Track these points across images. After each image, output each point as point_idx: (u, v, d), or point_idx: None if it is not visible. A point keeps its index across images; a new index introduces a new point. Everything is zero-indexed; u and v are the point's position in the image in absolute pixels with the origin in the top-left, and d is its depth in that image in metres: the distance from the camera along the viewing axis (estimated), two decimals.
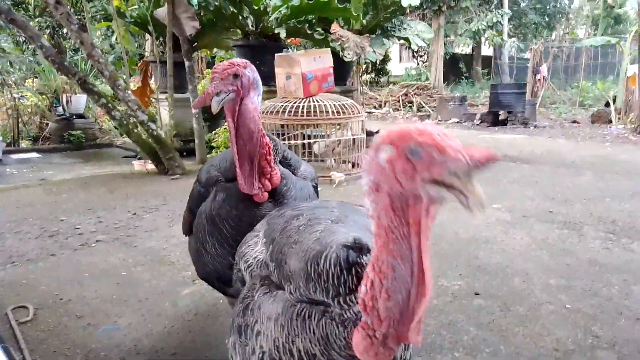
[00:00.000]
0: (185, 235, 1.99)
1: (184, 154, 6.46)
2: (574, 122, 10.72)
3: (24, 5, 9.78)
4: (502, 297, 2.61)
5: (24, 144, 7.92)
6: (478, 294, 2.63)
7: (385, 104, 14.32)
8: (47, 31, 9.06)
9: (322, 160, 5.62)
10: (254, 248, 1.22)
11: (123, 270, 3.00)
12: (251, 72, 1.54)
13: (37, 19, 9.61)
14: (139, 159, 6.35)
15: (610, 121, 10.04)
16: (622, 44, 11.20)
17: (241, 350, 1.07)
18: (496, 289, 2.70)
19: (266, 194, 1.60)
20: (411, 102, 14.04)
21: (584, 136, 9.02)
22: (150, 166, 5.86)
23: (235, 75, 1.49)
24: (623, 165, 6.20)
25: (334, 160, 5.62)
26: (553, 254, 3.21)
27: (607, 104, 10.78)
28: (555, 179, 5.40)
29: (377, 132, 5.31)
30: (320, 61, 5.21)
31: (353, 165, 5.60)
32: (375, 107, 14.17)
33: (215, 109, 1.48)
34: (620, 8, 16.35)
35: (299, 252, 1.02)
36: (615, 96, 10.71)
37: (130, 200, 4.56)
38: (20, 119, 7.87)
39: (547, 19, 20.14)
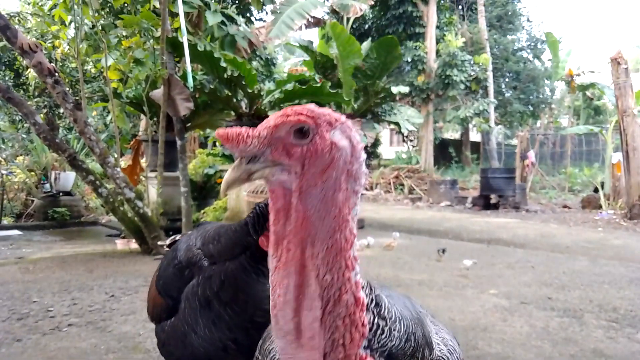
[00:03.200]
0: (153, 322, 1.80)
1: (170, 233, 6.30)
2: (565, 207, 10.81)
3: (24, 87, 10.07)
4: None
5: (5, 220, 7.75)
6: None
7: (376, 185, 14.46)
8: (44, 110, 9.24)
9: None
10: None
11: (93, 357, 2.75)
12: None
13: (35, 99, 9.85)
14: (123, 237, 6.18)
15: (600, 206, 10.13)
16: (604, 132, 11.64)
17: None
18: None
19: None
20: (402, 185, 14.20)
21: (576, 221, 9.03)
22: (134, 245, 5.69)
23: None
24: (617, 250, 6.12)
25: None
26: (555, 344, 3.02)
27: (596, 190, 10.96)
28: (551, 264, 5.28)
29: (444, 250, 5.38)
30: None
31: None
32: (366, 189, 14.28)
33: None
34: (599, 100, 17.23)
35: None
36: (603, 182, 10.93)
37: (109, 281, 4.34)
38: (5, 196, 7.77)
39: (531, 108, 21.12)
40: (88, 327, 3.23)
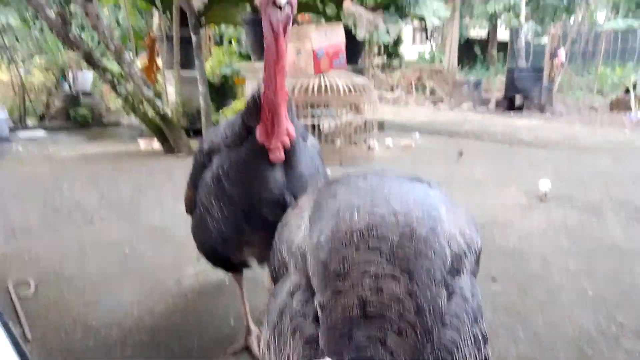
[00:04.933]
0: (189, 214, 1.87)
1: (191, 133, 6.35)
2: (592, 108, 10.45)
3: None
4: (519, 281, 2.48)
5: (30, 121, 7.85)
6: (495, 279, 2.50)
7: (397, 87, 14.08)
8: (54, 6, 8.91)
9: (332, 141, 5.48)
10: (298, 234, 1.01)
11: (126, 246, 2.91)
12: None
13: None
14: (145, 137, 6.24)
15: (630, 108, 9.75)
16: None
17: (279, 353, 0.91)
18: (513, 273, 2.57)
19: (282, 152, 1.46)
20: (424, 86, 13.78)
21: (602, 122, 8.77)
22: (156, 145, 5.76)
23: (288, 1, 1.33)
24: None
25: (347, 141, 5.47)
26: (572, 238, 3.07)
27: (627, 91, 10.47)
28: (573, 164, 5.23)
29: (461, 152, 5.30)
30: (331, 36, 5.03)
31: (366, 147, 5.46)
32: (387, 91, 13.94)
33: (283, 3, 1.31)
34: None
35: None
36: (636, 82, 10.39)
37: (134, 177, 4.47)
38: (26, 96, 7.79)
39: (565, 2, 19.59)
40: (119, 219, 3.39)
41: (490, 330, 2.00)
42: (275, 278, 1.07)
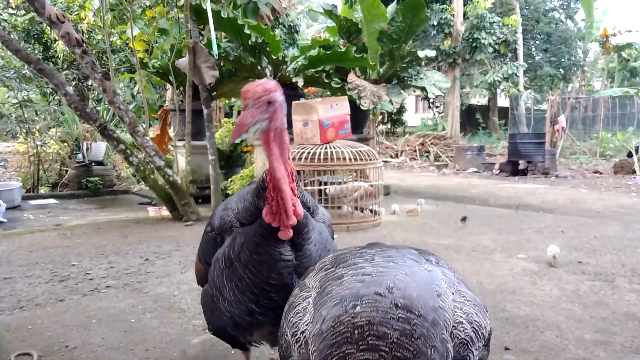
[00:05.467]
0: (200, 285, 1.87)
1: (200, 200, 6.44)
2: (596, 172, 10.53)
3: (53, 59, 10.22)
4: (534, 352, 2.41)
5: (42, 190, 8.02)
6: (508, 349, 2.43)
7: (401, 153, 14.34)
8: (73, 83, 9.40)
9: (339, 207, 5.53)
10: (303, 318, 1.02)
11: (132, 316, 2.88)
12: (281, 94, 1.45)
13: (64, 72, 10.00)
14: (154, 205, 6.33)
15: (634, 171, 9.83)
16: None
17: None
18: (527, 344, 2.50)
19: (291, 231, 1.49)
20: (428, 152, 14.03)
21: (608, 186, 8.80)
22: (165, 212, 5.84)
23: (270, 102, 1.38)
24: None
25: (353, 206, 5.52)
26: (586, 307, 3.00)
27: (630, 154, 10.61)
28: (581, 229, 5.20)
29: (464, 218, 5.30)
30: (337, 108, 5.23)
31: (372, 212, 5.49)
32: (391, 157, 14.19)
33: (252, 139, 1.38)
34: (635, 61, 16.45)
35: None
36: (638, 146, 10.55)
37: (143, 246, 4.49)
38: (41, 166, 8.02)
39: (562, 72, 20.34)
40: (125, 289, 3.38)
41: None
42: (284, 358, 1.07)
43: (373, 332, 0.85)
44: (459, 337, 0.91)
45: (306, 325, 0.99)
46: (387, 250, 1.13)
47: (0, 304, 3.08)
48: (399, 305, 0.89)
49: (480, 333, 0.96)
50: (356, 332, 0.86)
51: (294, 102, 5.38)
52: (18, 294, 3.26)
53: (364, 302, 0.90)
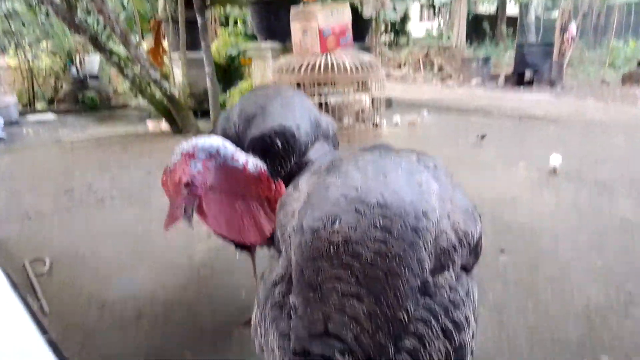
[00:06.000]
0: None
1: (198, 114, 6.36)
2: (604, 82, 10.27)
3: None
4: (529, 256, 2.49)
5: (39, 105, 7.91)
6: (504, 252, 2.51)
7: (405, 65, 13.93)
8: None
9: (340, 120, 5.46)
10: (291, 222, 1.03)
11: (137, 226, 2.95)
12: (203, 153, 1.33)
13: None
14: (153, 119, 6.26)
15: None
16: None
17: (264, 335, 0.97)
18: (523, 248, 2.58)
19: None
20: (432, 63, 13.62)
21: (615, 97, 8.62)
22: (165, 126, 5.79)
23: (188, 184, 1.29)
24: None
25: (355, 119, 5.45)
26: (583, 214, 3.06)
27: None
28: (584, 139, 5.17)
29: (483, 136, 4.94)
30: (338, 16, 4.97)
31: (373, 125, 5.43)
32: (394, 69, 13.81)
33: (190, 223, 1.31)
34: None
35: None
36: None
37: (144, 159, 4.50)
38: (35, 81, 7.83)
39: None
40: (130, 201, 3.43)
41: (499, 303, 2.03)
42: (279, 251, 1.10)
43: (348, 250, 0.87)
44: (442, 246, 0.92)
45: (292, 229, 1.01)
46: (384, 158, 1.12)
47: (9, 215, 3.15)
48: (378, 226, 0.89)
49: (465, 241, 0.96)
50: (332, 249, 0.88)
51: (292, 9, 5.10)
52: (24, 206, 3.32)
53: (343, 220, 0.91)
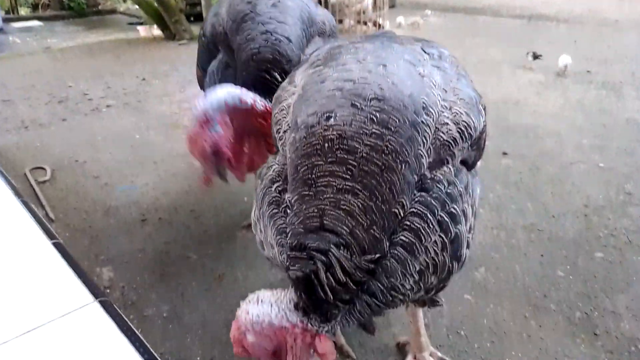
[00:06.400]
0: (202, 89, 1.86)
1: (192, 18, 6.05)
2: None
3: None
4: (531, 157, 2.48)
5: (23, 11, 7.51)
6: (506, 154, 2.50)
7: None
8: None
9: (341, 21, 5.20)
10: (285, 117, 1.00)
11: (136, 133, 2.91)
12: (214, 112, 1.28)
13: None
14: (144, 24, 5.97)
15: None
16: None
17: (264, 231, 0.97)
18: (526, 150, 2.56)
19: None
20: None
21: None
22: (157, 32, 5.53)
23: (214, 151, 1.29)
24: None
25: (356, 20, 5.18)
26: (588, 115, 3.00)
27: None
28: (595, 38, 4.95)
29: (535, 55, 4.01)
30: None
31: (375, 25, 5.18)
32: None
33: (227, 180, 1.36)
34: None
35: None
36: None
37: (138, 66, 4.35)
38: None
39: None
40: (126, 108, 3.36)
41: (499, 203, 2.05)
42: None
43: (343, 146, 0.84)
44: (441, 139, 0.88)
45: (287, 126, 0.98)
46: (386, 48, 1.04)
47: (4, 125, 3.10)
48: (375, 120, 0.86)
49: (466, 133, 0.92)
50: (326, 145, 0.85)
51: None
52: (20, 115, 3.26)
53: (337, 115, 0.88)
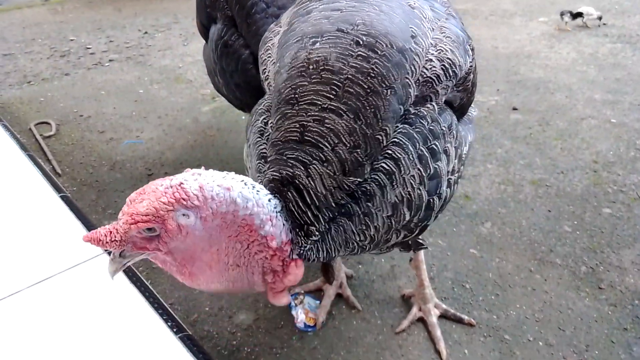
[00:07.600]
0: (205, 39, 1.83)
1: None
2: None
3: None
4: (541, 112, 2.43)
5: None
6: (516, 109, 2.45)
7: None
8: None
9: None
10: (271, 57, 0.99)
11: (140, 88, 2.88)
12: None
13: None
14: None
15: None
16: None
17: (251, 159, 0.97)
18: (536, 104, 2.50)
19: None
20: None
21: None
22: None
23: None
24: None
25: None
26: (601, 69, 2.92)
27: None
28: None
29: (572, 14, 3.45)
30: None
31: None
32: None
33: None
34: None
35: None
36: None
37: (139, 19, 4.24)
38: None
39: None
40: (128, 62, 3.30)
41: (507, 158, 2.03)
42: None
43: (328, 67, 0.84)
44: (424, 75, 0.87)
45: (272, 64, 0.98)
46: None
47: (7, 79, 3.06)
48: (361, 42, 0.85)
49: (450, 71, 0.91)
50: (311, 67, 0.85)
51: None
52: (22, 69, 3.21)
53: (324, 39, 0.87)
